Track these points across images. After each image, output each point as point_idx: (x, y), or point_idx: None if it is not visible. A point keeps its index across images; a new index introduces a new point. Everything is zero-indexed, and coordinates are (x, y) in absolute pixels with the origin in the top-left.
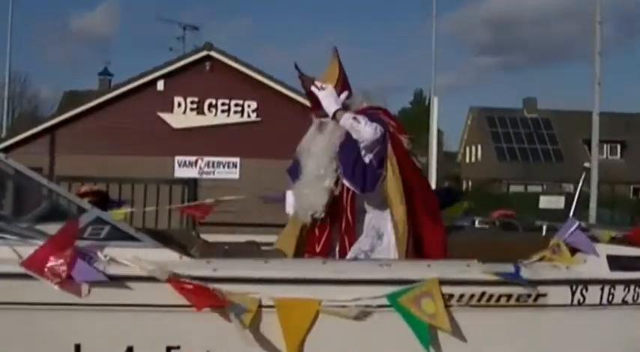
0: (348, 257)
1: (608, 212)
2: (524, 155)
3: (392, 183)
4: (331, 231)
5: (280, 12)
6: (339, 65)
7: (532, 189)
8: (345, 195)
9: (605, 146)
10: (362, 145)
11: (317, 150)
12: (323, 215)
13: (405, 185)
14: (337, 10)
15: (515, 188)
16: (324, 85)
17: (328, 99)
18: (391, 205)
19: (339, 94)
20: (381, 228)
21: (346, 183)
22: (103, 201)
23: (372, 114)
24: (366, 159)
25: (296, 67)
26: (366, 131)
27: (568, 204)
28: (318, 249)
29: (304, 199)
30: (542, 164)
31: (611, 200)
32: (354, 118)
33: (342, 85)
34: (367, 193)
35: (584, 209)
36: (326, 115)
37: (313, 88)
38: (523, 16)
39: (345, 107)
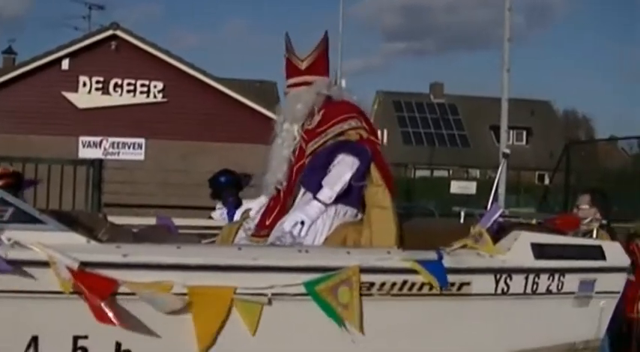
0: (272, 236)
1: (515, 197)
2: (431, 140)
3: (375, 191)
4: (284, 206)
5: None
6: (323, 45)
7: (438, 173)
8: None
9: (511, 132)
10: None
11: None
12: (284, 185)
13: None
14: None
15: (420, 173)
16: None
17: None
18: (375, 208)
19: (307, 72)
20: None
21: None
22: (18, 182)
23: (355, 143)
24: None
25: (286, 36)
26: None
27: (478, 189)
28: (268, 222)
29: (272, 174)
30: (448, 149)
31: (517, 186)
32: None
33: (316, 63)
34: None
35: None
36: (288, 86)
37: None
38: (435, 3)
39: (328, 98)
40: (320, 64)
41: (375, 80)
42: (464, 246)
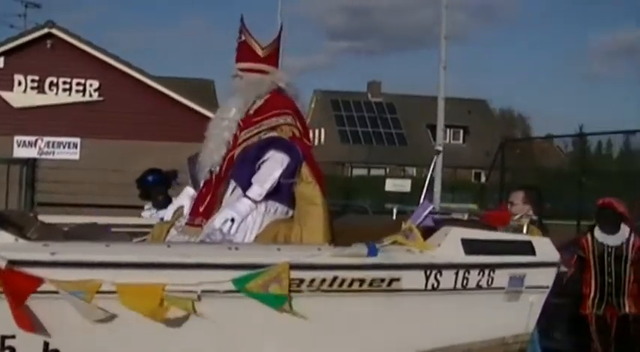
0: (203, 233)
1: (451, 195)
2: (368, 138)
3: (305, 188)
4: (216, 194)
5: None
6: (279, 38)
7: (375, 172)
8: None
9: (448, 131)
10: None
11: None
12: (217, 170)
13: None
14: None
15: (358, 171)
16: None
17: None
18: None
19: (265, 61)
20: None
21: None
22: None
23: (286, 141)
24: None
25: (242, 19)
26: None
27: (413, 187)
28: (201, 209)
29: (208, 155)
30: (385, 148)
31: (453, 184)
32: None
33: (274, 54)
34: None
35: (428, 192)
36: (242, 70)
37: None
38: (376, 2)
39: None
40: (276, 56)
41: (313, 79)
42: (394, 242)
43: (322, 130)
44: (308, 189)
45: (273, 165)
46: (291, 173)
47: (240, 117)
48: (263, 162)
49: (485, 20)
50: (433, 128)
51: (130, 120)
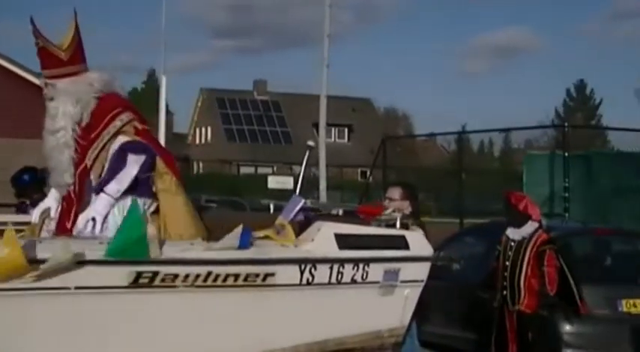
0: (75, 230)
1: (339, 194)
2: (254, 137)
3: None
4: (77, 211)
5: None
6: (77, 30)
7: (262, 170)
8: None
9: (333, 129)
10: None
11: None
12: (72, 185)
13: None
14: None
15: (245, 170)
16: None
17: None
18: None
19: (71, 62)
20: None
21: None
22: None
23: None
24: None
25: (32, 21)
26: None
27: (295, 184)
28: (68, 225)
29: (59, 176)
30: (271, 146)
31: (339, 182)
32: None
33: (77, 51)
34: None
35: (314, 190)
36: (51, 77)
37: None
38: (260, 0)
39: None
40: (80, 52)
41: (198, 78)
42: (265, 237)
43: (209, 129)
44: (164, 179)
45: (131, 165)
46: (147, 168)
47: (74, 131)
48: (121, 166)
49: (368, 19)
50: (318, 126)
51: (9, 116)
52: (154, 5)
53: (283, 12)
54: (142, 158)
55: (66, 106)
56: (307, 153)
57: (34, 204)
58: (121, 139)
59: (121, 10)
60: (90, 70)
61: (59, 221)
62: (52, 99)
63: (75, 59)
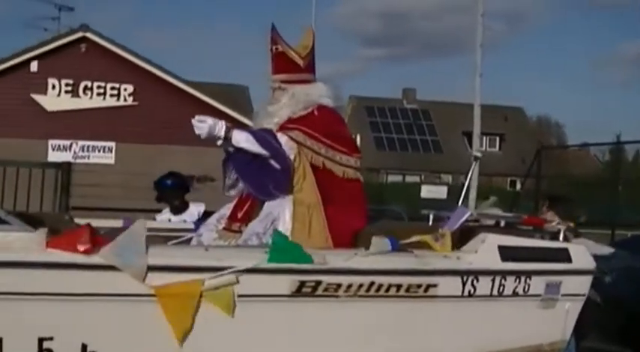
0: (241, 239)
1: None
2: (404, 145)
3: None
4: (256, 200)
5: None
6: (313, 40)
7: (410, 179)
8: None
9: (484, 138)
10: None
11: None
12: None
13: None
14: None
15: (393, 178)
16: (202, 118)
17: (211, 128)
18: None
19: (306, 70)
20: (278, 214)
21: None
22: None
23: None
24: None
25: (273, 27)
26: (258, 147)
27: (449, 194)
28: (240, 215)
29: None
30: (420, 154)
31: (489, 191)
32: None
33: (312, 60)
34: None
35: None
36: (285, 82)
37: (193, 121)
38: (413, 9)
39: (308, 98)
40: (313, 62)
41: (347, 85)
42: (420, 241)
43: (357, 137)
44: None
45: None
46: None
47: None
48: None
49: (520, 27)
50: (469, 135)
51: (163, 124)
52: (302, 12)
53: (432, 20)
54: None
55: (291, 109)
56: (474, 164)
57: (174, 211)
58: None
59: (268, 16)
60: (320, 85)
61: (233, 209)
62: (279, 102)
63: (309, 67)
